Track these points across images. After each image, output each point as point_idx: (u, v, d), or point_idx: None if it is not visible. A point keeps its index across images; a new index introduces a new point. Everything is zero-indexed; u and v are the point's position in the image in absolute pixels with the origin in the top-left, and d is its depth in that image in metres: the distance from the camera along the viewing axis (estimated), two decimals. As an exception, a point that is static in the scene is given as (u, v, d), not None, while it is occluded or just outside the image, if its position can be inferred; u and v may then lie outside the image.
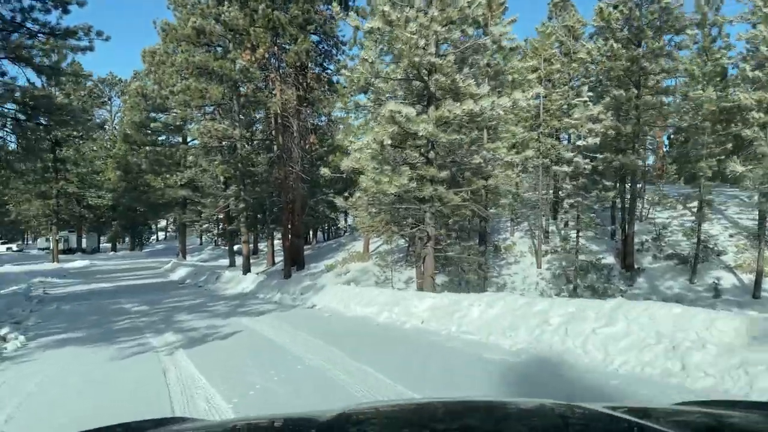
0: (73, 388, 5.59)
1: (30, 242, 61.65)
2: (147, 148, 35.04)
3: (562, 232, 23.08)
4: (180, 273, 24.82)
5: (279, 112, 25.21)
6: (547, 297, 17.83)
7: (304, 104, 27.02)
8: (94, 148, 44.54)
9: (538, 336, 6.81)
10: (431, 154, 11.39)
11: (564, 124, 19.74)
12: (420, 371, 5.87)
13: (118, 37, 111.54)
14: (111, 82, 51.88)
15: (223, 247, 41.02)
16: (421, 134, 9.95)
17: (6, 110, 12.76)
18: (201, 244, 56.56)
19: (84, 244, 50.85)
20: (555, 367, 5.96)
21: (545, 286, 18.71)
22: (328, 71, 29.97)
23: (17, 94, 12.00)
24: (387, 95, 11.67)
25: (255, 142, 30.64)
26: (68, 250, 47.03)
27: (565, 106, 19.95)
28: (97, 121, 46.45)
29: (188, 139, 35.14)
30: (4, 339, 7.69)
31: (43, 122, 13.26)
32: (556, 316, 6.92)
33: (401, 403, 2.54)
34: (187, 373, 6.01)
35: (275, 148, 27.11)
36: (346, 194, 11.54)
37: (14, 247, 50.21)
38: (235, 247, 32.66)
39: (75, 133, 35.75)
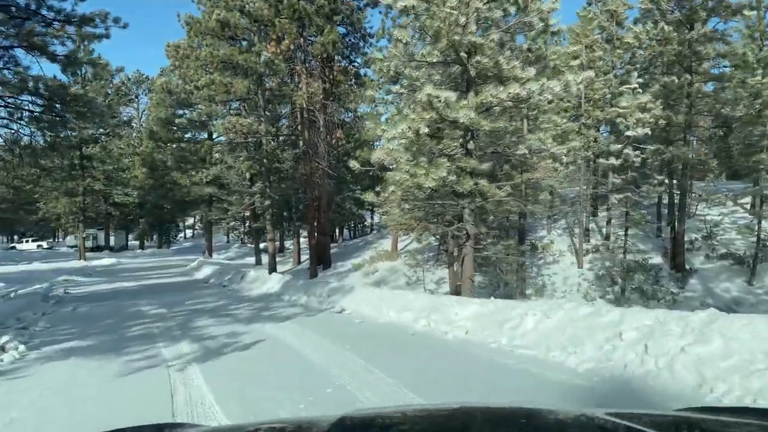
0: (64, 412, 4.78)
1: (60, 240, 62.33)
2: (173, 145, 34.73)
3: (604, 229, 21.79)
4: (205, 271, 24.27)
5: (305, 106, 24.45)
6: (592, 300, 16.65)
7: (331, 98, 26.22)
8: (121, 145, 44.49)
9: (609, 353, 5.76)
10: (471, 145, 10.37)
11: (608, 114, 18.46)
12: (474, 395, 4.90)
13: (146, 35, 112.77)
14: (138, 79, 51.88)
15: (249, 245, 40.61)
16: (461, 121, 8.93)
17: (20, 101, 12.19)
18: (228, 241, 56.47)
19: (112, 242, 51.05)
20: (637, 393, 4.91)
21: (588, 288, 17.49)
22: (355, 64, 29.17)
23: (30, 83, 11.39)
24: (422, 81, 10.68)
25: (281, 138, 30.00)
26: (96, 248, 47.22)
27: (608, 95, 18.65)
28: (124, 118, 46.68)
29: (214, 136, 34.72)
30: (2, 349, 6.95)
31: (59, 115, 12.64)
32: (631, 329, 5.86)
33: (412, 408, 2.46)
34: (198, 394, 5.15)
35: (301, 143, 26.40)
36: (378, 189, 10.60)
37: (44, 244, 50.62)
38: (261, 245, 32.08)
39: (102, 129, 35.65)
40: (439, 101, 8.68)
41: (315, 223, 25.10)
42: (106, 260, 34.76)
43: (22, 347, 7.13)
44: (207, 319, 9.88)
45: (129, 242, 55.96)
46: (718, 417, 1.59)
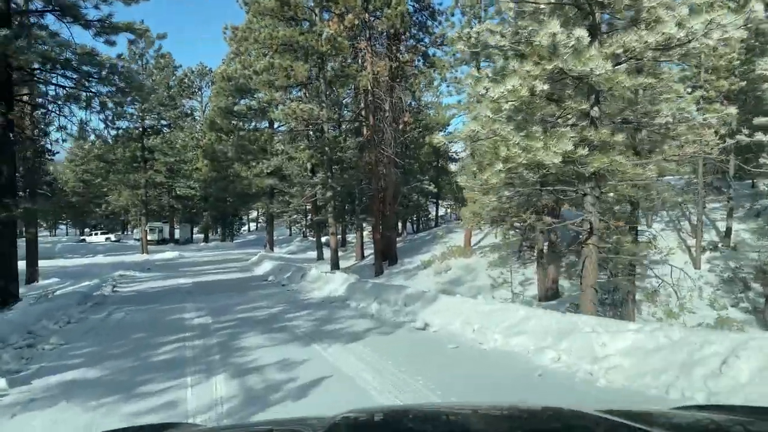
0: None
1: (129, 232, 63.45)
2: (234, 135, 33.68)
3: (719, 224, 18.50)
4: (265, 267, 22.65)
5: (370, 88, 22.35)
6: (721, 310, 13.64)
7: (397, 79, 24.03)
8: (183, 137, 44.06)
9: None
10: (595, 110, 7.82)
11: (733, 83, 15.28)
12: None
13: (212, 31, 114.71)
14: (201, 72, 51.52)
15: (311, 239, 39.22)
16: (597, 73, 6.42)
17: (46, 70, 10.64)
18: (290, 235, 55.54)
19: (177, 235, 51.13)
20: None
21: (713, 294, 14.46)
22: (424, 43, 26.79)
23: (55, 49, 9.74)
24: (530, 29, 8.20)
25: (343, 126, 28.14)
26: (162, 241, 47.30)
27: (737, 62, 15.42)
28: (187, 111, 46.32)
29: (274, 125, 33.38)
30: (-27, 387, 5.12)
31: (93, 90, 11.03)
32: None
33: (417, 407, 2.42)
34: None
35: (365, 130, 24.34)
36: (474, 169, 8.27)
37: (112, 237, 51.30)
38: (323, 239, 30.41)
39: (162, 121, 35.04)
40: (568, 44, 6.23)
41: (380, 216, 22.95)
42: (168, 254, 34.08)
43: (2, 382, 5.28)
44: (256, 336, 7.85)
45: (193, 235, 56.07)
46: (715, 415, 1.54)
